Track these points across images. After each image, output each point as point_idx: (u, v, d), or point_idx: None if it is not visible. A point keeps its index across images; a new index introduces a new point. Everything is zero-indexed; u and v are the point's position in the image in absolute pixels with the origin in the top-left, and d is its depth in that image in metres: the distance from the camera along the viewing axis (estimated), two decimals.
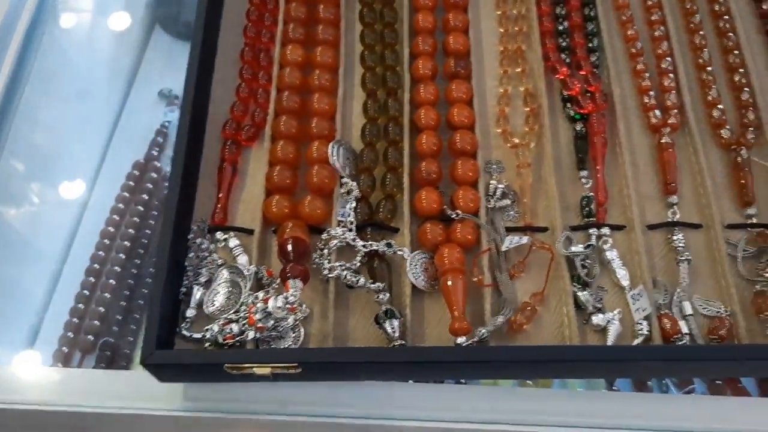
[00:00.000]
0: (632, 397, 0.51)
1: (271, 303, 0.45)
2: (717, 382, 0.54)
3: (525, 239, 0.50)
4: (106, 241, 0.66)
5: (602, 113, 0.55)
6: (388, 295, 0.48)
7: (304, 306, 0.48)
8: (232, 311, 0.47)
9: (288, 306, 0.45)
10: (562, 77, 0.56)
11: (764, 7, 0.60)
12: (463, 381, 0.50)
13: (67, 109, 0.75)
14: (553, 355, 0.43)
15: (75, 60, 0.81)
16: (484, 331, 0.46)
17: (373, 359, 0.44)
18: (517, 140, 0.55)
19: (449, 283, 0.47)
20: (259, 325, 0.46)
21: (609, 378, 0.50)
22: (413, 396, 0.47)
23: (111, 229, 0.66)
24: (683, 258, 0.49)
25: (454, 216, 0.51)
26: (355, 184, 0.52)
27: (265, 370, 0.44)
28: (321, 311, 0.48)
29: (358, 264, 0.49)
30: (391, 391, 0.47)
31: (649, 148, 0.55)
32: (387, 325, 0.46)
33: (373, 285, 0.48)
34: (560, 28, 0.59)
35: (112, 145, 0.72)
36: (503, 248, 0.50)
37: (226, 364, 0.43)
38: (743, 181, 0.52)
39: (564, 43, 0.59)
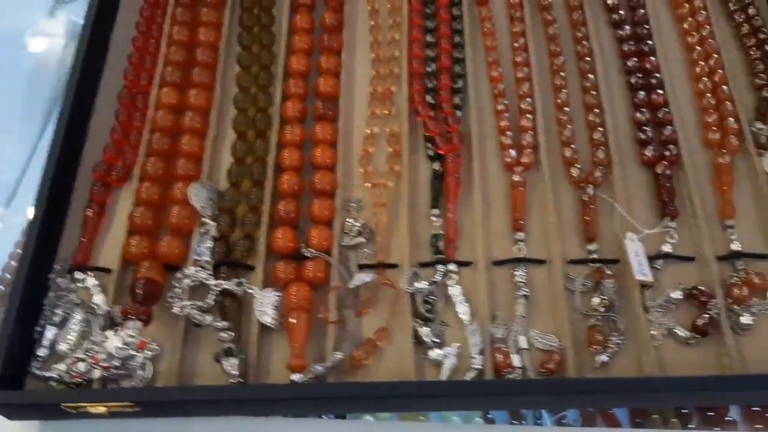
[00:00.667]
0: (503, 429, 0.52)
1: (109, 343, 0.47)
2: (590, 410, 0.56)
3: (368, 277, 0.51)
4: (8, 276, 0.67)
5: (458, 153, 0.57)
6: (231, 333, 0.49)
7: (154, 344, 0.50)
8: (81, 350, 0.49)
9: (126, 346, 0.47)
10: (422, 118, 0.59)
11: (614, 16, 0.64)
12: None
13: None
14: (366, 391, 0.45)
15: None
16: (319, 368, 0.47)
17: (203, 397, 0.45)
18: (375, 180, 0.57)
19: (292, 320, 0.49)
20: (104, 364, 0.47)
21: (437, 410, 0.51)
22: (261, 430, 0.49)
23: (14, 263, 0.68)
24: (521, 293, 0.51)
25: (307, 254, 0.53)
26: (213, 224, 0.54)
27: (100, 409, 0.45)
28: (172, 349, 0.50)
29: (212, 302, 0.51)
30: (249, 425, 0.49)
31: (506, 187, 0.57)
32: (225, 364, 0.48)
33: (218, 323, 0.50)
34: (429, 70, 0.62)
35: (24, 182, 0.74)
36: (350, 285, 0.52)
37: (62, 404, 0.45)
38: (588, 218, 0.54)
39: (431, 85, 0.61)
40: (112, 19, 0.66)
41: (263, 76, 0.62)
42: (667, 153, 0.56)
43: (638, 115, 0.59)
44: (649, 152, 0.57)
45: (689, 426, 0.54)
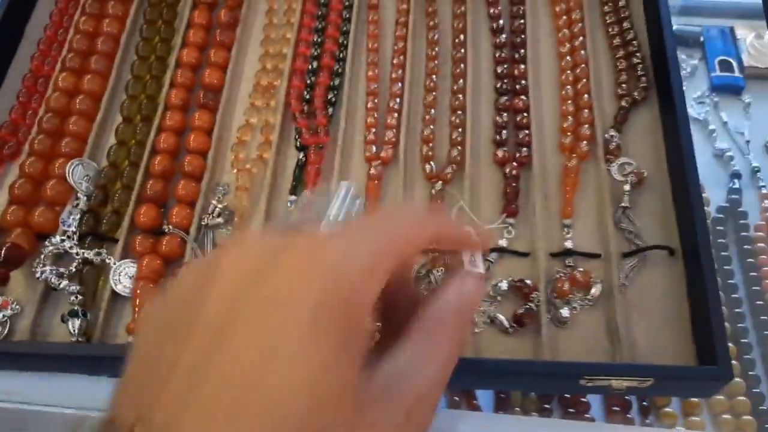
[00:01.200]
0: None
1: None
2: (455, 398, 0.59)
3: None
4: None
5: (322, 145, 0.60)
6: (80, 297, 0.54)
7: (15, 304, 0.54)
8: None
9: None
10: (293, 111, 0.62)
11: (493, 25, 0.67)
12: None
13: None
14: None
15: None
16: None
17: (37, 351, 0.50)
18: (242, 166, 0.60)
19: (138, 290, 0.53)
20: None
21: None
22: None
23: None
24: None
25: (166, 230, 0.57)
26: (84, 198, 0.58)
27: None
28: (32, 309, 0.54)
29: (73, 269, 0.55)
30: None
31: (364, 179, 0.60)
32: (69, 324, 0.52)
33: (71, 287, 0.54)
34: (312, 67, 0.66)
35: None
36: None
37: None
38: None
39: (311, 81, 0.65)
40: (30, 8, 0.71)
41: (157, 66, 0.66)
42: (518, 154, 0.59)
43: (498, 118, 0.62)
44: (501, 153, 0.60)
45: None
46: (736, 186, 0.76)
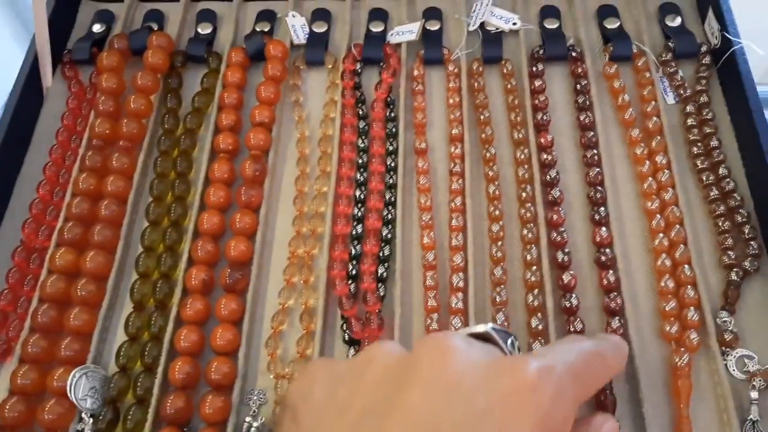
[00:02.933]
0: None
1: None
2: None
3: None
4: None
5: (378, 339, 0.50)
6: None
7: None
8: None
9: None
10: (338, 294, 0.52)
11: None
12: None
13: None
14: None
15: None
16: None
17: None
18: (281, 369, 0.50)
19: None
20: None
21: None
22: None
23: None
24: None
25: None
26: (90, 421, 0.48)
27: None
28: None
29: None
30: None
31: None
32: None
33: None
34: (355, 231, 0.55)
35: None
36: None
37: None
38: None
39: (354, 251, 0.55)
40: (20, 161, 0.62)
41: (172, 234, 0.56)
42: None
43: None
44: None
45: None
46: None
